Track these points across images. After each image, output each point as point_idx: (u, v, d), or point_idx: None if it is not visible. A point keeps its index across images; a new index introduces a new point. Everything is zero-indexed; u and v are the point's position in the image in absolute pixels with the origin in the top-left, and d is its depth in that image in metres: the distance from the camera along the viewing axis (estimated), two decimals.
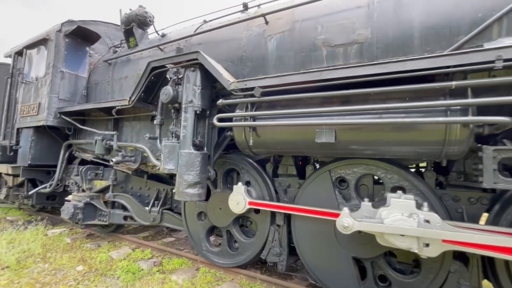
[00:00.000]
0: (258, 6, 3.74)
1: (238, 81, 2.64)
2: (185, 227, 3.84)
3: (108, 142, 4.04)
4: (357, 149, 2.34)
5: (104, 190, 4.57)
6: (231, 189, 3.56)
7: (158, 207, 4.07)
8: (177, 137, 3.19)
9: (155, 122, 3.50)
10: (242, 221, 3.57)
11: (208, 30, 3.56)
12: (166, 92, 3.14)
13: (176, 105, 3.27)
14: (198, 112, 3.02)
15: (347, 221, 2.21)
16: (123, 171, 4.23)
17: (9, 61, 5.97)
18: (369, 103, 2.14)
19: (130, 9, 4.73)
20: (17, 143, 5.12)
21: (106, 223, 4.40)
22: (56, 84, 4.52)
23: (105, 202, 4.63)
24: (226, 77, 2.74)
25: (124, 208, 4.64)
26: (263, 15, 3.06)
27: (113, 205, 4.70)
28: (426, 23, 2.26)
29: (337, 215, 2.52)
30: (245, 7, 3.75)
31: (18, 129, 5.08)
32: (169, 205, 4.24)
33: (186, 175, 2.92)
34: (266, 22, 3.13)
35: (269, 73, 3.03)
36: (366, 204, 2.41)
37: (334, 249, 2.71)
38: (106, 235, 4.81)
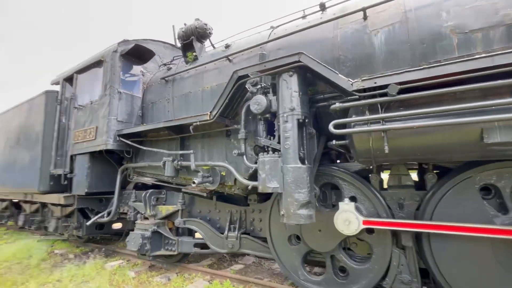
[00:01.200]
0: (324, 8, 3.49)
1: (363, 80, 2.29)
2: (273, 253, 3.39)
3: (179, 162, 3.71)
4: None
5: (168, 216, 4.20)
6: (326, 207, 3.18)
7: (237, 232, 3.65)
8: (273, 150, 2.82)
9: (239, 136, 3.16)
10: (344, 243, 3.11)
11: (289, 33, 3.28)
12: (259, 102, 2.82)
13: (268, 115, 2.94)
14: (300, 120, 2.66)
15: None
16: (195, 194, 3.86)
17: (55, 88, 5.86)
18: None
19: (185, 24, 4.57)
20: (71, 171, 4.86)
21: (175, 253, 3.98)
22: (114, 106, 4.30)
23: (170, 229, 4.26)
24: (344, 77, 2.39)
25: (190, 234, 4.26)
26: (364, 9, 2.75)
27: (177, 232, 4.32)
28: None
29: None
30: (323, 7, 3.48)
31: (71, 156, 4.84)
32: (244, 229, 3.81)
33: (297, 194, 2.52)
34: (365, 17, 2.82)
35: (377, 70, 2.67)
36: None
37: (497, 273, 2.21)
38: (171, 265, 4.38)
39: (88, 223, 4.57)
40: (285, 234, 3.31)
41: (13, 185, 6.28)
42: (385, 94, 2.24)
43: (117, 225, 6.39)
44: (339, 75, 2.41)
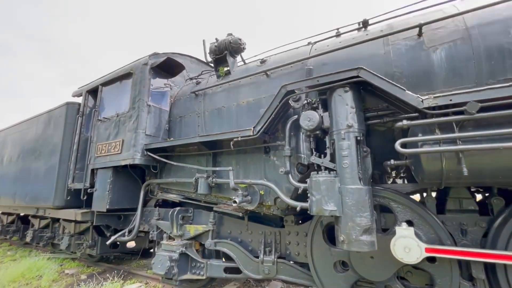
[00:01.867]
0: (366, 25, 3.47)
1: (435, 96, 2.16)
2: (316, 281, 3.12)
3: (214, 180, 3.51)
4: None
5: (195, 237, 3.94)
6: (377, 231, 2.95)
7: (273, 256, 3.40)
8: (326, 169, 2.65)
9: (284, 153, 3.00)
10: (397, 272, 2.85)
11: (336, 49, 3.19)
12: (311, 118, 2.68)
13: (318, 132, 2.79)
14: (358, 138, 2.51)
15: None
16: (229, 214, 3.64)
17: (76, 100, 5.77)
18: None
19: (216, 39, 4.53)
20: (91, 185, 4.65)
21: (203, 277, 3.69)
22: (143, 119, 4.16)
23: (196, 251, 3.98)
24: (412, 93, 2.27)
25: (217, 256, 3.98)
26: (420, 26, 2.68)
27: (203, 253, 4.05)
28: None
29: None
30: (365, 24, 3.44)
31: (92, 170, 4.65)
32: (279, 252, 3.55)
33: (359, 218, 2.32)
34: (420, 34, 2.75)
35: (436, 88, 2.57)
36: None
37: None
38: None
39: (109, 242, 4.29)
40: (330, 260, 3.06)
41: (24, 199, 6.03)
42: (459, 112, 2.11)
43: (130, 244, 6.08)
44: (407, 91, 2.29)
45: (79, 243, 5.31)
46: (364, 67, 2.46)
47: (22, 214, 7.29)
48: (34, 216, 6.71)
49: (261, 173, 3.41)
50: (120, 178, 4.49)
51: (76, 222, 5.45)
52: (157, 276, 4.01)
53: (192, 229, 3.86)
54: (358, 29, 3.57)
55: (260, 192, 3.33)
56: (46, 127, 5.95)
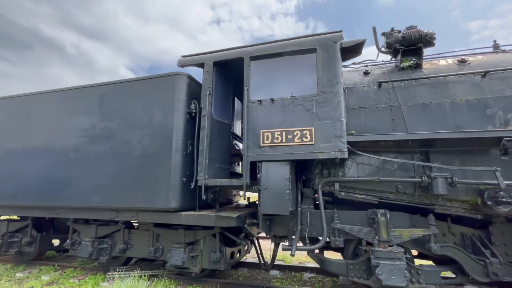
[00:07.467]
0: None
1: None
2: None
3: (457, 180, 3.25)
4: None
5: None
6: None
7: (499, 257, 3.37)
8: None
9: None
10: None
11: None
12: None
13: None
14: None
15: None
16: (460, 215, 3.43)
17: (182, 71, 4.49)
18: None
19: (393, 28, 4.25)
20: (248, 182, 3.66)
21: (423, 286, 3.38)
22: (342, 106, 3.52)
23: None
24: None
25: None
26: None
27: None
28: None
29: None
30: None
31: (253, 162, 3.67)
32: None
33: None
34: None
35: None
36: None
37: None
38: None
39: (293, 251, 3.44)
40: None
41: (89, 199, 4.30)
42: None
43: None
44: None
45: (194, 256, 4.12)
46: None
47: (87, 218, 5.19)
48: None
49: (499, 177, 3.34)
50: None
51: (187, 228, 4.23)
52: None
53: (406, 234, 3.48)
54: None
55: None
56: (133, 102, 4.40)
